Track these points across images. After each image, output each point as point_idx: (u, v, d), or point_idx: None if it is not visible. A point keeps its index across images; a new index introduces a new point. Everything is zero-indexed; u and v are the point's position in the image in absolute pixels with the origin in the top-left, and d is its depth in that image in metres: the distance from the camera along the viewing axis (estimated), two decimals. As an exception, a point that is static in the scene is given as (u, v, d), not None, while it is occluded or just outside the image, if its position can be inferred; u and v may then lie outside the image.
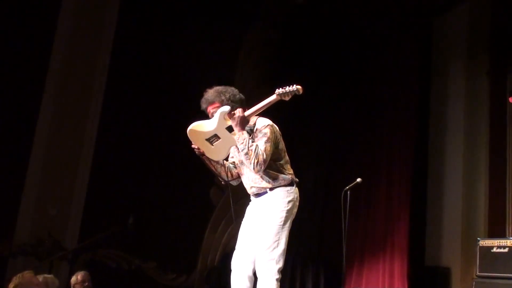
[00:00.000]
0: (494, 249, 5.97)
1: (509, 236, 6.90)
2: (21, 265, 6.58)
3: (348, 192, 5.34)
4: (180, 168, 7.64)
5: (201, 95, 3.94)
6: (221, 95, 3.83)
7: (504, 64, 7.76)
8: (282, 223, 3.65)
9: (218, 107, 3.79)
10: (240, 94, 3.92)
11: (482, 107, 7.97)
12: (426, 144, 8.33)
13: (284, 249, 3.63)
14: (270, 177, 3.72)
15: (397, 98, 8.26)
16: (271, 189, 3.73)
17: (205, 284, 8.07)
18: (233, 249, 8.14)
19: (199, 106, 3.95)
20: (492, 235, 7.15)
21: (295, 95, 3.62)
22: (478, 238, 6.23)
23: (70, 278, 5.89)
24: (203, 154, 3.84)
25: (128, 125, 7.55)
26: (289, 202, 3.71)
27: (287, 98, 3.61)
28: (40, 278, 4.88)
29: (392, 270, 7.54)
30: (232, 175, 4.00)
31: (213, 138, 3.76)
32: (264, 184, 3.74)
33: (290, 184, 3.77)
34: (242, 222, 3.90)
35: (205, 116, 3.92)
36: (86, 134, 7.50)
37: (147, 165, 7.69)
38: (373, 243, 7.93)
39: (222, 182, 4.06)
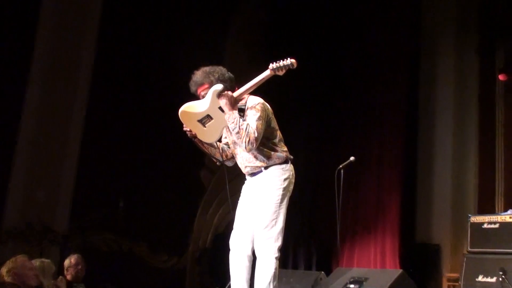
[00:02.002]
0: (485, 225, 5.98)
1: (499, 212, 6.95)
2: (11, 250, 6.49)
3: (342, 171, 5.32)
4: (171, 150, 7.59)
5: (190, 77, 3.84)
6: (210, 75, 3.73)
7: (493, 41, 7.78)
8: (279, 201, 3.62)
9: (208, 88, 3.69)
10: (229, 72, 3.82)
11: (472, 85, 8.01)
12: (416, 123, 8.36)
13: (282, 227, 3.60)
14: (264, 155, 3.67)
15: (387, 76, 8.25)
16: (266, 167, 3.69)
17: (197, 265, 8.06)
18: (224, 230, 8.21)
19: (188, 88, 3.85)
20: (482, 211, 7.21)
21: (289, 69, 3.51)
22: (469, 215, 6.24)
23: (62, 262, 5.84)
24: (195, 137, 3.75)
25: (117, 107, 7.45)
26: (285, 179, 3.67)
27: (281, 73, 3.51)
28: (37, 262, 4.82)
29: (384, 248, 7.60)
30: (226, 155, 3.94)
31: (205, 119, 3.66)
32: (259, 163, 3.69)
33: (285, 161, 3.72)
34: (239, 201, 3.86)
35: (195, 98, 3.83)
36: (74, 117, 7.39)
37: (137, 147, 7.61)
38: (365, 222, 7.97)
39: (217, 163, 4.00)
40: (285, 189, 3.65)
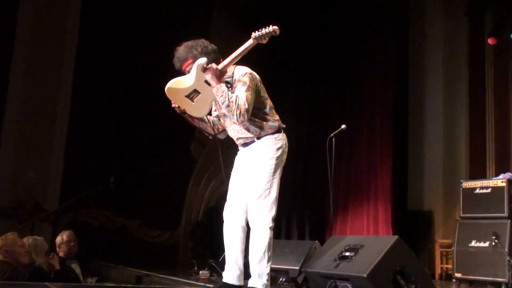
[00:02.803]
0: (477, 190, 6.01)
1: (490, 177, 6.97)
2: (2, 228, 6.44)
3: (333, 139, 5.27)
4: (160, 124, 7.51)
5: (174, 52, 3.75)
6: (192, 49, 3.63)
7: (482, 4, 7.69)
8: (272, 170, 3.57)
9: (192, 62, 3.60)
10: (212, 44, 3.72)
11: (461, 49, 7.96)
12: (406, 90, 8.31)
13: (276, 197, 3.56)
14: (256, 126, 3.61)
15: (376, 43, 8.19)
16: (258, 138, 3.63)
17: (190, 239, 8.05)
18: (216, 203, 8.18)
19: (171, 58, 3.76)
20: (473, 177, 7.22)
21: (272, 37, 3.43)
22: (461, 180, 6.26)
23: (54, 238, 5.81)
24: (184, 113, 3.69)
25: (104, 83, 7.37)
26: (278, 149, 3.62)
27: (264, 41, 3.42)
28: (30, 239, 4.78)
29: (376, 216, 7.62)
30: (218, 129, 3.87)
31: (193, 93, 3.57)
32: (251, 134, 3.63)
33: (278, 131, 3.67)
34: (232, 172, 3.81)
35: (181, 74, 3.73)
36: (61, 93, 7.31)
37: (126, 122, 7.55)
38: (357, 191, 7.97)
39: (209, 137, 3.94)
40: (278, 158, 3.60)
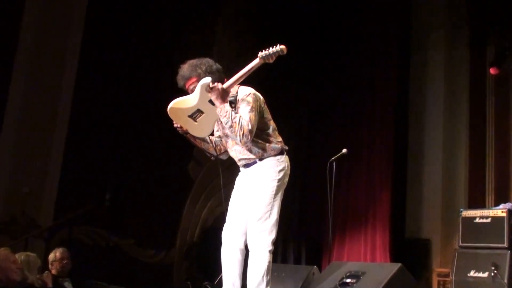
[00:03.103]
0: (477, 220, 5.95)
1: (490, 207, 6.92)
2: (-6, 243, 6.34)
3: (334, 164, 5.23)
4: (158, 142, 7.44)
5: (178, 67, 3.73)
6: (197, 68, 3.61)
7: (484, 35, 7.74)
8: (273, 192, 3.52)
9: (196, 81, 3.57)
10: (216, 64, 3.70)
11: (462, 79, 7.99)
12: (406, 117, 8.30)
13: (276, 220, 3.51)
14: (258, 147, 3.57)
15: (377, 70, 8.19)
16: (260, 159, 3.59)
17: (185, 260, 7.94)
18: (213, 224, 8.08)
19: (175, 77, 3.74)
20: (472, 206, 7.17)
21: (279, 56, 3.42)
22: (461, 209, 6.20)
23: (46, 256, 5.71)
24: (186, 133, 3.66)
25: (103, 99, 7.27)
26: (280, 171, 3.58)
27: (271, 61, 3.41)
28: (22, 256, 4.69)
29: (374, 242, 7.54)
30: (220, 149, 3.83)
31: (196, 113, 3.55)
32: (253, 155, 3.59)
33: (280, 152, 3.63)
34: (232, 193, 3.75)
35: (184, 92, 3.70)
36: (59, 109, 7.22)
37: (124, 140, 7.46)
38: (355, 216, 7.90)
39: (211, 158, 3.90)
40: (279, 180, 3.56)
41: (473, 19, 7.85)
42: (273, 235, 3.48)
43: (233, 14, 8.67)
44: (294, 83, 8.85)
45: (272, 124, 3.69)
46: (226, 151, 3.82)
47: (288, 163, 3.66)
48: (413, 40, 8.46)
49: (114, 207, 7.15)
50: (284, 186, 3.62)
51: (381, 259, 7.24)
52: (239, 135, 3.41)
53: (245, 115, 3.44)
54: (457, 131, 7.92)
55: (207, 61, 3.68)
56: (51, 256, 5.42)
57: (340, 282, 3.42)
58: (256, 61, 3.44)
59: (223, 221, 3.73)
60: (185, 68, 3.65)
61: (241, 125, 3.40)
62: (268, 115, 3.69)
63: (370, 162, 7.93)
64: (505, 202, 6.38)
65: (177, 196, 7.97)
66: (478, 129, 7.64)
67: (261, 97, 3.67)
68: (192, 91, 3.58)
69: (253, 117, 3.47)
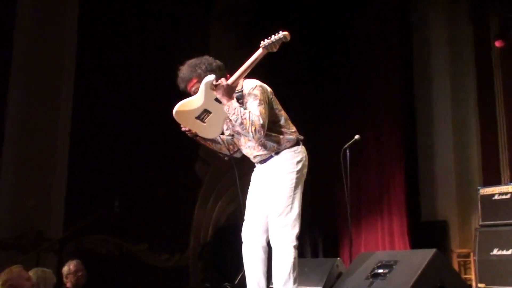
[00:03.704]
0: (496, 197, 5.80)
1: (507, 183, 6.79)
2: (5, 260, 6.20)
3: (348, 151, 5.08)
4: (163, 144, 7.31)
5: (177, 65, 3.56)
6: (196, 68, 3.45)
7: (485, 8, 7.57)
8: (293, 185, 3.39)
9: (198, 82, 3.42)
10: (216, 60, 3.53)
11: (467, 54, 7.83)
12: (413, 98, 8.15)
13: (298, 213, 3.38)
14: (273, 141, 3.43)
15: (380, 53, 8.05)
16: (276, 153, 3.45)
17: (199, 261, 7.81)
18: (225, 223, 7.94)
19: (175, 77, 3.58)
20: (487, 184, 7.01)
21: (283, 43, 3.26)
22: (478, 187, 6.03)
23: (59, 268, 5.57)
24: (196, 135, 3.51)
25: (105, 104, 7.15)
26: (298, 162, 3.44)
27: (275, 49, 3.26)
28: (38, 272, 4.55)
29: (391, 228, 7.39)
30: (233, 148, 3.68)
31: (203, 114, 3.39)
32: (268, 150, 3.45)
33: (296, 143, 3.50)
34: (249, 190, 3.61)
35: (186, 94, 3.53)
36: (61, 116, 7.08)
37: (129, 144, 7.32)
38: (369, 203, 7.73)
39: (225, 158, 3.75)
40: (298, 172, 3.42)
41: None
42: (296, 230, 3.34)
43: (227, 8, 8.51)
44: (298, 74, 8.67)
45: (283, 115, 3.55)
46: (239, 149, 3.68)
47: (306, 153, 3.52)
48: (414, 20, 8.29)
49: (124, 213, 7.00)
50: (304, 178, 3.48)
51: (400, 245, 7.11)
52: (251, 131, 3.26)
53: (254, 110, 3.29)
54: (466, 108, 7.77)
55: (206, 60, 3.51)
56: (65, 269, 5.25)
57: (372, 273, 3.26)
58: (259, 52, 3.29)
59: (236, 219, 3.60)
60: (184, 70, 3.49)
61: (252, 120, 3.25)
62: (278, 105, 3.54)
63: (379, 147, 7.76)
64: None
65: (186, 197, 7.85)
66: (488, 104, 7.48)
67: (268, 88, 3.52)
68: (195, 92, 3.42)
69: (263, 110, 3.31)
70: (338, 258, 4.27)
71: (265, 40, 3.25)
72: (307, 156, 3.52)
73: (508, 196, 5.68)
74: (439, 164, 7.86)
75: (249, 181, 3.65)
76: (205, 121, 3.41)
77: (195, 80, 3.46)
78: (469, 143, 7.68)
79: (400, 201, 7.41)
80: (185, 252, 7.74)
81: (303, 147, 3.52)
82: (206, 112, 3.40)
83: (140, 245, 7.39)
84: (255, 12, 8.40)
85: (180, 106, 3.40)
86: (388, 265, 3.21)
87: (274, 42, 3.22)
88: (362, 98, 8.17)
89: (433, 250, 3.09)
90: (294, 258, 3.30)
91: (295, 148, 3.47)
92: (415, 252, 3.42)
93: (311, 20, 8.63)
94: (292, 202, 3.36)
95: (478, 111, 7.58)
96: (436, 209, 7.81)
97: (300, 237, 3.37)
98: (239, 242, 3.54)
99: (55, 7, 7.09)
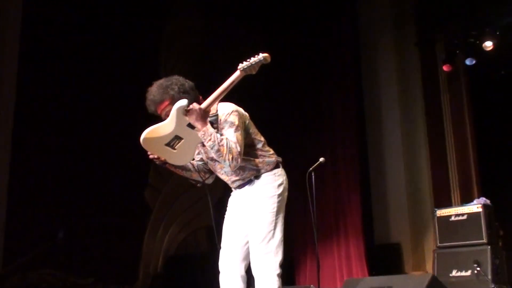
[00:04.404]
0: (452, 218, 5.87)
1: (460, 204, 6.89)
2: None
3: (313, 174, 4.96)
4: (110, 169, 6.98)
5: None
6: (168, 90, 3.23)
7: (431, 33, 7.77)
8: (275, 209, 3.22)
9: (170, 104, 3.21)
10: (187, 81, 3.33)
11: (415, 79, 7.98)
12: (364, 122, 8.21)
13: (281, 239, 3.20)
14: (252, 165, 3.27)
15: (333, 77, 8.08)
16: (256, 176, 3.28)
17: (150, 294, 7.45)
18: (176, 252, 7.61)
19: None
20: (438, 205, 7.09)
21: (262, 65, 3.11)
22: (435, 209, 6.09)
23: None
24: (165, 163, 3.29)
25: (48, 125, 6.74)
26: (279, 185, 3.28)
27: (254, 72, 3.09)
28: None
29: (349, 252, 7.32)
30: (204, 173, 3.48)
31: (173, 141, 3.18)
32: (247, 174, 3.29)
33: (276, 166, 3.34)
34: (226, 216, 3.41)
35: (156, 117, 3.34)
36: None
37: (72, 170, 6.92)
38: (325, 227, 7.63)
39: (198, 185, 3.54)
40: (280, 195, 3.26)
41: (419, 18, 7.87)
42: (279, 257, 3.16)
43: (179, 32, 8.31)
44: (251, 95, 8.53)
45: (260, 138, 3.40)
46: (212, 175, 3.48)
47: (285, 176, 3.36)
48: (363, 45, 8.38)
49: (68, 245, 6.62)
50: (285, 202, 3.31)
51: (358, 269, 7.03)
52: (228, 160, 3.09)
53: (231, 137, 3.12)
54: (415, 131, 7.89)
55: (178, 80, 3.30)
56: (12, 307, 4.84)
57: (366, 301, 3.12)
58: (236, 74, 3.11)
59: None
60: (155, 92, 3.26)
61: (230, 148, 3.08)
62: (254, 129, 3.39)
63: (335, 171, 7.71)
64: (470, 200, 6.38)
65: (135, 226, 7.48)
66: (436, 127, 7.63)
67: (244, 112, 3.36)
68: (166, 115, 3.21)
69: (240, 137, 3.15)
70: (311, 285, 4.11)
71: (244, 62, 3.09)
72: (287, 179, 3.36)
73: (465, 217, 5.76)
74: (391, 187, 7.92)
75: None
76: (176, 147, 3.20)
77: (167, 102, 3.24)
78: (419, 166, 7.79)
79: (356, 225, 7.37)
80: (135, 285, 7.36)
81: (283, 169, 3.37)
82: (177, 138, 3.19)
83: (86, 278, 6.96)
84: (206, 37, 8.23)
85: (148, 133, 3.18)
86: (382, 291, 3.08)
87: (253, 64, 3.07)
88: (317, 121, 8.16)
89: (430, 274, 2.98)
90: (278, 287, 3.11)
91: (275, 171, 3.31)
92: (410, 277, 3.31)
93: (262, 42, 8.54)
94: (275, 228, 3.19)
95: (427, 134, 7.72)
96: (389, 232, 7.82)
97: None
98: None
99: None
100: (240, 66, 3.08)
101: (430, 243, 7.24)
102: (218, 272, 3.32)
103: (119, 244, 7.11)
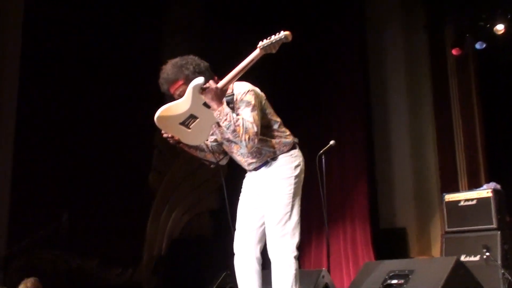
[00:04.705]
0: (462, 203, 5.81)
1: (462, 190, 6.86)
2: None
3: (323, 157, 4.91)
4: (114, 153, 6.95)
5: (160, 72, 3.26)
6: (183, 69, 3.16)
7: (440, 17, 7.64)
8: (292, 191, 3.17)
9: (184, 84, 3.14)
10: (203, 61, 3.27)
11: (423, 64, 7.88)
12: (370, 106, 8.13)
13: (297, 221, 3.15)
14: (268, 146, 3.22)
15: (338, 60, 7.96)
16: (273, 158, 3.22)
17: (153, 275, 7.43)
18: (180, 235, 7.60)
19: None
20: (444, 190, 7.03)
21: (283, 44, 3.03)
22: (444, 194, 6.04)
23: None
24: (179, 142, 3.24)
25: (53, 111, 6.73)
26: (296, 167, 3.23)
27: (274, 50, 3.02)
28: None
29: (355, 237, 7.28)
30: (219, 155, 3.42)
31: (189, 120, 3.12)
32: (264, 156, 3.23)
33: (293, 147, 3.29)
34: (240, 198, 3.36)
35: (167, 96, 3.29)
36: (2, 126, 6.57)
37: (77, 152, 6.89)
38: (332, 211, 7.57)
39: (211, 166, 3.49)
40: (297, 177, 3.21)
41: (428, 2, 7.74)
42: (296, 239, 3.12)
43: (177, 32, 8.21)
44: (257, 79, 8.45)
45: (277, 119, 3.34)
46: (226, 156, 3.43)
47: (302, 157, 3.30)
48: (370, 30, 8.26)
49: (73, 227, 6.59)
50: (302, 183, 3.26)
51: (364, 253, 6.99)
52: (245, 140, 3.03)
53: (247, 116, 3.06)
54: (422, 116, 7.80)
55: (193, 60, 3.24)
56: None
57: (385, 284, 3.05)
58: (256, 53, 3.03)
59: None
60: (169, 70, 3.19)
61: (246, 128, 3.01)
62: (270, 109, 3.34)
63: (342, 155, 7.63)
64: (477, 185, 6.33)
65: (139, 209, 7.46)
66: (444, 112, 7.53)
67: (260, 92, 3.29)
68: (179, 95, 3.15)
69: (256, 116, 3.09)
70: (324, 269, 4.07)
71: (264, 40, 3.01)
72: (304, 160, 3.30)
73: (474, 202, 5.71)
74: (397, 172, 7.86)
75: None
76: (191, 127, 3.14)
77: (180, 82, 3.18)
78: (426, 151, 7.71)
79: (363, 209, 7.31)
80: (139, 267, 7.34)
81: (299, 150, 3.31)
82: (192, 117, 3.13)
83: (91, 260, 6.95)
84: (206, 37, 8.11)
85: (163, 111, 3.11)
86: (402, 275, 3.02)
87: (274, 42, 2.98)
88: (325, 107, 8.10)
89: (454, 258, 2.92)
90: (296, 269, 3.08)
91: (292, 152, 3.26)
92: (433, 261, 3.26)
93: (263, 29, 8.41)
94: (291, 210, 3.14)
95: (435, 118, 7.62)
96: (395, 217, 7.78)
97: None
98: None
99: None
100: (260, 44, 3.01)
101: (436, 229, 7.21)
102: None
103: (123, 226, 7.11)
